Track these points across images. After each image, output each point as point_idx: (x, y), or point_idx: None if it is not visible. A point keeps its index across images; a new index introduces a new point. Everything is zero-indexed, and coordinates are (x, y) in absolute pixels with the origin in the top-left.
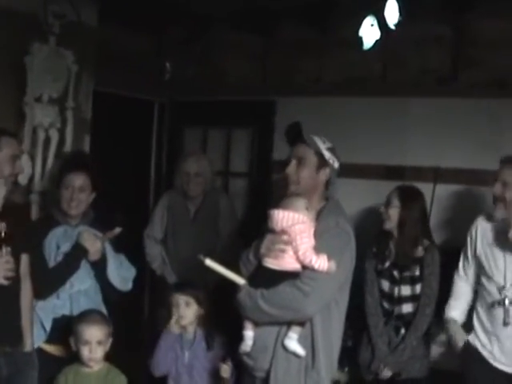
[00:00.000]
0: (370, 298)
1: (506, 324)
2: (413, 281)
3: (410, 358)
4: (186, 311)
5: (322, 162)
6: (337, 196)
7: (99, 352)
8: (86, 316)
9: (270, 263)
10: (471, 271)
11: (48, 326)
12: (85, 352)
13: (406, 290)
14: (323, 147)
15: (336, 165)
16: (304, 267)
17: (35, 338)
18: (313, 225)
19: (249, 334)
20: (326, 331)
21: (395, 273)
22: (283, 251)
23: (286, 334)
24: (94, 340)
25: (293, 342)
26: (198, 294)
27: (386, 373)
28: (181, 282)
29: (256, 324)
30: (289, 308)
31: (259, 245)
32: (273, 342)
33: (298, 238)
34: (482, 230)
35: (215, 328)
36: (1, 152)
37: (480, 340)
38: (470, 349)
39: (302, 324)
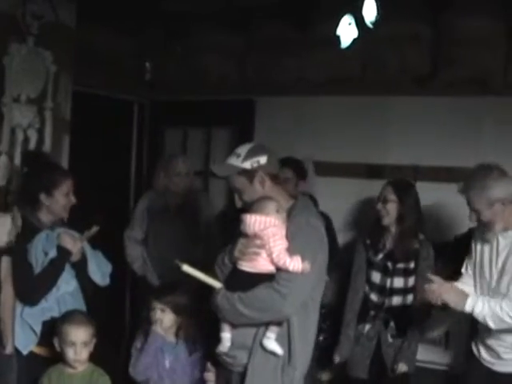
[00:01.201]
0: (352, 293)
1: None
2: (406, 273)
3: (397, 357)
4: (162, 317)
5: (249, 174)
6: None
7: (84, 353)
8: (70, 317)
9: (245, 266)
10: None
11: (38, 330)
12: (70, 353)
13: (398, 282)
14: (239, 162)
15: (263, 160)
16: (278, 269)
17: (25, 342)
18: (284, 226)
19: (226, 335)
20: (302, 329)
21: (389, 264)
22: (257, 254)
23: (264, 334)
24: (80, 341)
25: (271, 342)
26: (176, 303)
27: (402, 367)
28: (164, 285)
29: (233, 325)
30: (267, 310)
31: (233, 248)
32: (251, 341)
33: (270, 240)
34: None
35: (197, 332)
36: None
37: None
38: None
39: (279, 324)
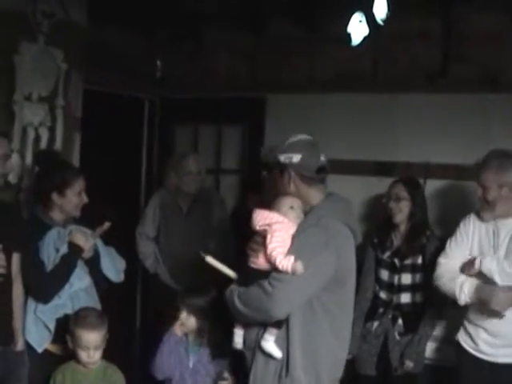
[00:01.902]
0: (361, 292)
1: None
2: (414, 269)
3: (404, 354)
4: (186, 319)
5: (281, 168)
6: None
7: (97, 355)
8: (83, 319)
9: (251, 262)
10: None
11: (52, 327)
12: (83, 356)
13: (406, 279)
14: (279, 152)
15: (295, 159)
16: (274, 268)
17: (40, 340)
18: (295, 225)
19: (238, 331)
20: (307, 335)
21: (396, 261)
22: (259, 251)
23: (262, 335)
24: (93, 346)
25: (268, 344)
26: (200, 307)
27: (408, 364)
28: (190, 288)
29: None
30: (255, 308)
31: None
32: (254, 342)
33: (269, 237)
34: (476, 227)
35: (221, 337)
36: None
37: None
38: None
39: (277, 325)
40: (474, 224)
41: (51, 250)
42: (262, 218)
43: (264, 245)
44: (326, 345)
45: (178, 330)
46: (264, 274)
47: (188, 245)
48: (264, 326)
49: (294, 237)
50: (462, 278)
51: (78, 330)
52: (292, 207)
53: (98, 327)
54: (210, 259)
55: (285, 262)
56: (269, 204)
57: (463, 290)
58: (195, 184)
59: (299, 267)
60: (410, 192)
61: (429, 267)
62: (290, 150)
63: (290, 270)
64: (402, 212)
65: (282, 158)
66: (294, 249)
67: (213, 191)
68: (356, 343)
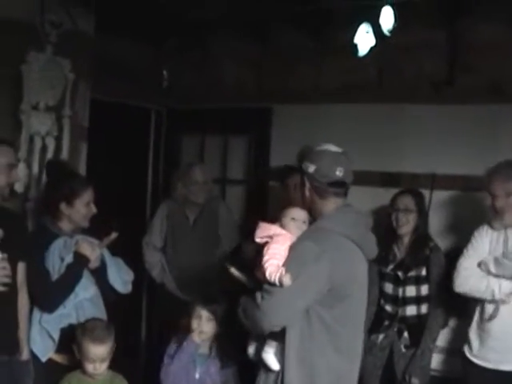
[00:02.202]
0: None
1: (491, 318)
2: (418, 281)
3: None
4: (204, 326)
5: (301, 175)
6: None
7: (103, 367)
8: (91, 332)
9: (256, 273)
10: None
11: (56, 337)
12: (89, 368)
13: (410, 291)
14: (302, 162)
15: (310, 169)
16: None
17: (44, 349)
18: (294, 237)
19: (252, 342)
20: (302, 347)
21: (400, 273)
22: (260, 262)
23: (263, 347)
24: (99, 358)
25: (267, 355)
26: (221, 313)
27: (414, 381)
28: (209, 293)
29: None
30: (250, 319)
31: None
32: (259, 353)
33: (265, 248)
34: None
35: (231, 346)
36: None
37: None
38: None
39: (275, 337)
40: (486, 233)
41: (56, 259)
42: (261, 230)
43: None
44: (326, 360)
45: (196, 337)
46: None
47: (195, 255)
48: (265, 338)
49: (290, 249)
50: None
51: (86, 343)
52: (293, 218)
53: (105, 340)
54: (234, 271)
55: (273, 274)
56: (275, 214)
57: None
58: (202, 194)
59: (286, 279)
60: (418, 204)
61: (433, 279)
62: (310, 158)
63: (277, 281)
64: (408, 224)
65: (303, 165)
66: (286, 261)
67: (219, 201)
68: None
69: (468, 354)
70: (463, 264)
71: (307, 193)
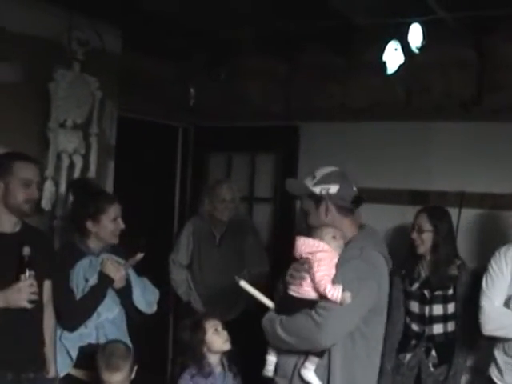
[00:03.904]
0: (391, 326)
1: None
2: (445, 300)
3: None
4: (215, 336)
5: (317, 199)
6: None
7: None
8: (109, 358)
9: (292, 290)
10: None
11: (74, 355)
12: None
13: (437, 310)
14: (311, 184)
15: (333, 190)
16: (320, 297)
17: (61, 366)
18: (337, 254)
19: (271, 358)
20: (347, 364)
21: (426, 292)
22: (302, 279)
23: (302, 364)
24: None
25: (309, 373)
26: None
27: None
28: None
29: (278, 351)
30: (302, 337)
31: (286, 272)
32: (291, 371)
33: (315, 265)
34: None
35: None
36: (12, 177)
37: (499, 369)
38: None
39: (319, 354)
40: (505, 255)
41: (80, 279)
42: (308, 245)
43: (310, 273)
44: (364, 374)
45: (211, 359)
46: (308, 303)
47: (221, 273)
48: (305, 354)
49: (337, 267)
50: None
51: (102, 369)
52: (334, 237)
53: (120, 368)
54: (243, 284)
55: (334, 292)
56: (303, 234)
57: None
58: (229, 212)
59: (348, 298)
60: (434, 223)
61: (460, 297)
62: (325, 181)
63: (339, 299)
64: (424, 244)
65: (318, 189)
66: (341, 279)
67: (246, 219)
68: (388, 379)
69: (495, 378)
70: (486, 307)
71: (328, 215)
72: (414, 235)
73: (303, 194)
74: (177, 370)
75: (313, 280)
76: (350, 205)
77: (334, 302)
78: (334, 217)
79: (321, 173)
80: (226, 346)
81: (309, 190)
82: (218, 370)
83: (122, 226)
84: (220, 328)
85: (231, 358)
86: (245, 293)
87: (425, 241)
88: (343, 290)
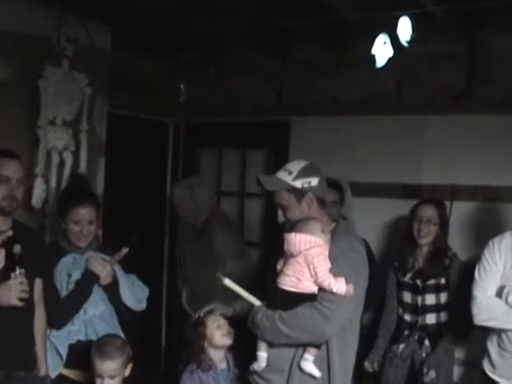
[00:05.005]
0: (386, 316)
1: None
2: (438, 289)
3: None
4: (217, 330)
5: (299, 193)
6: (350, 210)
7: None
8: (100, 347)
9: (287, 286)
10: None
11: (64, 353)
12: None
13: (430, 299)
14: (290, 179)
15: (314, 182)
16: (321, 290)
17: (52, 366)
18: (327, 247)
19: (262, 354)
20: (341, 352)
21: (418, 282)
22: (301, 274)
23: (301, 356)
24: (106, 374)
25: (309, 364)
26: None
27: (432, 374)
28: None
29: (270, 345)
30: (308, 330)
31: (275, 267)
32: (289, 364)
33: (315, 260)
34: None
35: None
36: None
37: (492, 362)
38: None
39: (317, 346)
40: (499, 245)
41: (64, 276)
42: (303, 241)
43: (309, 268)
44: (352, 357)
45: (211, 354)
46: (308, 297)
47: (198, 271)
48: (303, 346)
49: (331, 260)
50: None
51: (94, 358)
52: (323, 231)
53: (113, 356)
54: (227, 282)
55: (339, 285)
56: (293, 229)
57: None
58: (194, 214)
59: (351, 289)
60: (440, 215)
61: (452, 287)
62: (305, 175)
63: (344, 292)
64: (430, 235)
65: (299, 183)
66: (339, 272)
67: (217, 216)
68: (379, 353)
69: (488, 371)
70: (479, 297)
71: (307, 208)
72: (423, 226)
73: (281, 190)
74: (181, 368)
75: (314, 275)
76: (327, 196)
77: (338, 294)
78: (316, 209)
79: (296, 167)
80: (227, 340)
81: (289, 185)
82: (222, 365)
83: (84, 232)
84: (222, 322)
85: (238, 355)
86: (228, 290)
87: (432, 232)
88: (346, 283)
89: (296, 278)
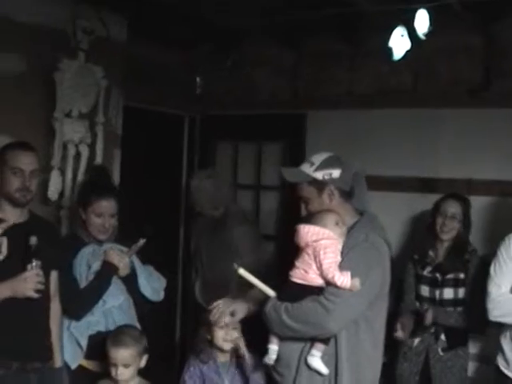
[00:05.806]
0: (404, 309)
1: None
2: (456, 284)
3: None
4: (233, 334)
5: (319, 185)
6: (367, 203)
7: (127, 373)
8: (115, 336)
9: (296, 278)
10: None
11: (84, 344)
12: (112, 372)
13: (448, 294)
14: (311, 171)
15: (336, 174)
16: (327, 283)
17: (72, 357)
18: (341, 241)
19: (273, 347)
20: (352, 350)
21: (437, 275)
22: (308, 266)
23: (308, 351)
24: (120, 363)
25: (316, 360)
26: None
27: (429, 314)
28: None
29: (281, 338)
30: (311, 323)
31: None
32: (296, 359)
33: (321, 253)
34: None
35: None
36: (5, 166)
37: (506, 358)
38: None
39: (325, 341)
40: None
41: (83, 267)
42: (313, 233)
43: (316, 260)
44: (367, 356)
45: (224, 346)
46: (314, 290)
47: (212, 263)
48: (311, 342)
49: (342, 253)
50: None
51: (108, 346)
52: (337, 223)
53: (127, 344)
54: (242, 271)
55: (343, 279)
56: (303, 221)
57: None
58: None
59: (357, 284)
60: (464, 211)
61: (469, 281)
62: (326, 167)
63: (348, 286)
64: (453, 230)
65: (320, 174)
66: (349, 266)
67: (232, 210)
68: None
69: (502, 367)
70: (493, 293)
71: (328, 200)
72: (447, 222)
73: (303, 182)
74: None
75: (319, 267)
76: (351, 189)
77: (343, 288)
78: (338, 202)
79: (318, 159)
80: (225, 345)
81: (310, 177)
82: (223, 358)
83: (106, 225)
84: (229, 321)
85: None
86: (244, 282)
87: (454, 228)
88: (352, 277)
89: (304, 270)
